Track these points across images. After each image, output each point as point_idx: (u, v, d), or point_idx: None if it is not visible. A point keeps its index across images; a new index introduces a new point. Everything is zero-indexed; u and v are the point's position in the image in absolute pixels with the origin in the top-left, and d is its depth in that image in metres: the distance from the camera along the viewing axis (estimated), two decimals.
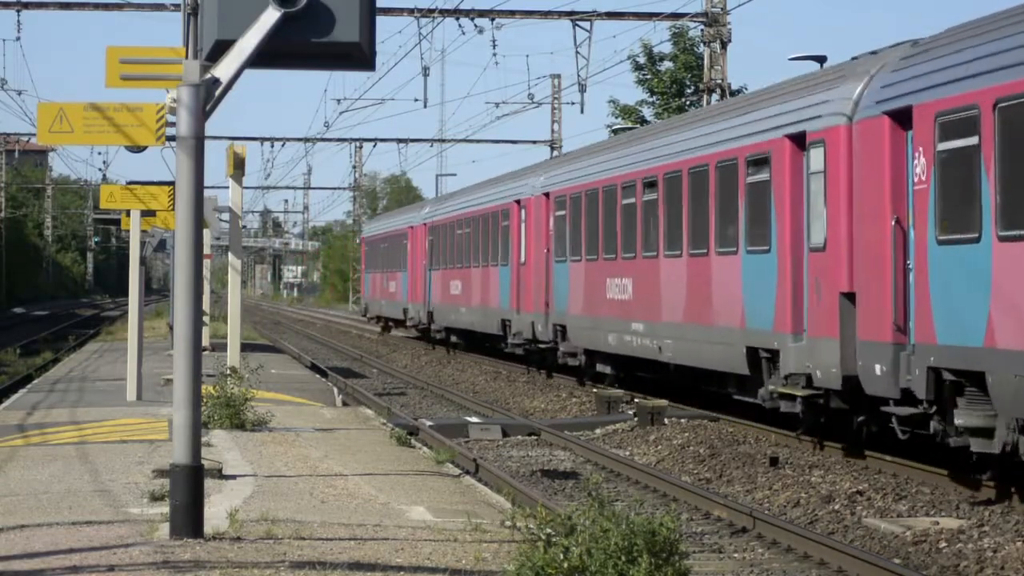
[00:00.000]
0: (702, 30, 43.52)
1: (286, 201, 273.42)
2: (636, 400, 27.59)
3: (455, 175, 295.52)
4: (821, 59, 34.29)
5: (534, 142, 76.86)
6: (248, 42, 11.43)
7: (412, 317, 54.85)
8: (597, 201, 30.95)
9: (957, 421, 16.54)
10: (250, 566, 10.82)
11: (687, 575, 10.30)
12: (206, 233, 32.67)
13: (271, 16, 11.35)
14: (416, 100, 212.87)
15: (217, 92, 11.68)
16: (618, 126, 52.53)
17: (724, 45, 42.85)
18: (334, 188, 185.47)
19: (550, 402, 30.83)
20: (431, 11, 44.11)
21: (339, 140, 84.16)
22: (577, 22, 44.84)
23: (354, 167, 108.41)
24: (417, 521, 13.40)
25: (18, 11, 44.60)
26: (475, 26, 43.90)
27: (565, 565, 9.95)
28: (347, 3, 11.43)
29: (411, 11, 44.39)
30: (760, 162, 22.38)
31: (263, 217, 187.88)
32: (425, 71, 53.83)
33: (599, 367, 31.71)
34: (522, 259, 37.44)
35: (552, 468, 21.27)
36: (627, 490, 19.16)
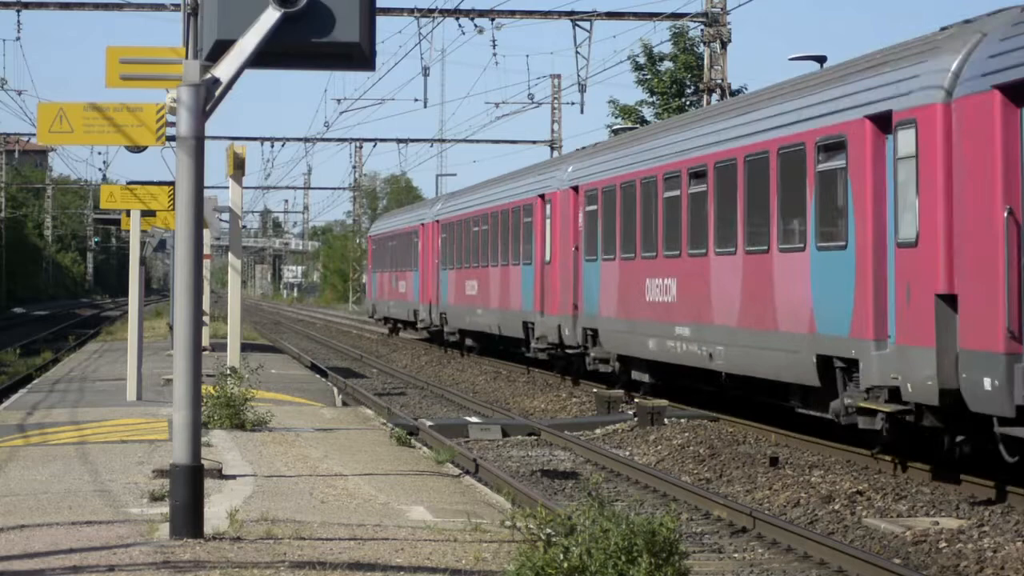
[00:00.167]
0: (702, 30, 43.57)
1: (286, 201, 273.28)
2: (636, 400, 27.58)
3: (455, 175, 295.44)
4: (821, 59, 34.27)
5: (534, 142, 77.02)
6: (248, 42, 11.43)
7: (423, 319, 52.63)
8: (634, 194, 28.65)
9: None
10: (250, 566, 10.82)
11: (687, 575, 10.30)
12: (206, 233, 32.67)
13: (271, 16, 11.35)
14: (416, 100, 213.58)
15: (217, 92, 11.69)
16: (618, 126, 52.53)
17: (724, 45, 42.87)
18: (334, 188, 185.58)
19: (550, 402, 30.82)
20: (431, 11, 44.14)
21: (339, 140, 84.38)
22: (577, 22, 44.87)
23: (354, 167, 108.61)
24: (417, 521, 13.39)
25: (18, 11, 44.64)
26: (475, 26, 43.97)
27: (565, 565, 9.95)
28: (347, 3, 11.43)
29: (411, 11, 44.43)
30: (833, 147, 19.97)
31: (263, 217, 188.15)
32: (425, 71, 53.97)
33: (635, 374, 29.48)
34: (547, 257, 35.32)
35: (552, 468, 21.27)
36: (627, 490, 19.16)
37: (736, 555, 14.69)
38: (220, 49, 11.56)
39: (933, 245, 17.43)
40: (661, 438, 23.54)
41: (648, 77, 55.41)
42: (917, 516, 16.44)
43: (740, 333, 23.07)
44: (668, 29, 52.94)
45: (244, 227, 43.13)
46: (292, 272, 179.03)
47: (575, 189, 33.19)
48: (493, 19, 43.94)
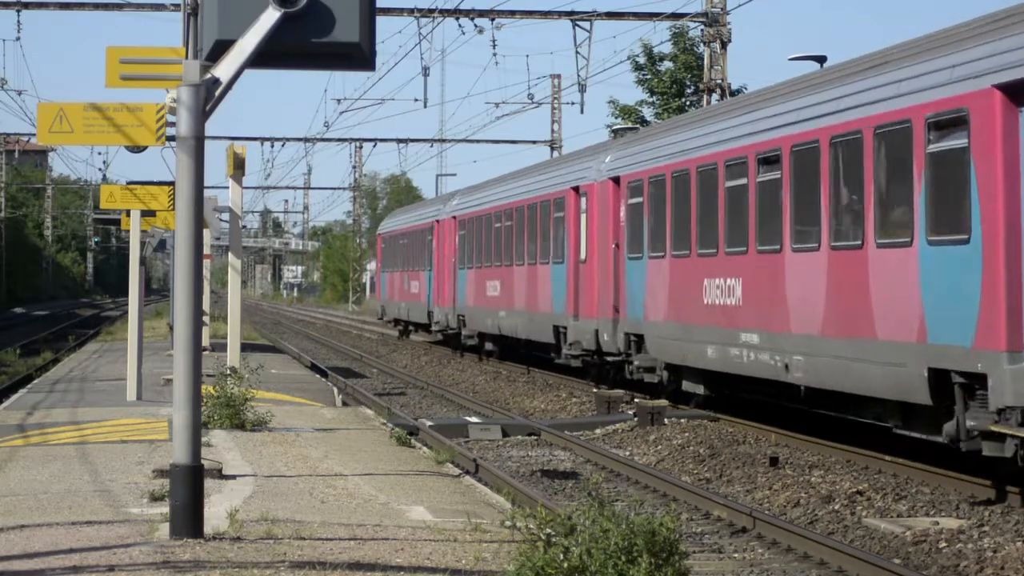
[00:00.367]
0: (702, 30, 43.60)
1: (286, 201, 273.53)
2: (636, 400, 27.58)
3: (455, 175, 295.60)
4: (821, 59, 34.33)
5: (534, 142, 77.15)
6: (248, 42, 11.44)
7: (439, 321, 49.45)
8: (688, 184, 25.63)
9: None
10: (250, 566, 10.82)
11: (687, 575, 10.30)
12: (206, 233, 32.66)
13: (271, 16, 11.35)
14: (416, 100, 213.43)
15: (217, 92, 11.69)
16: (618, 126, 52.57)
17: (724, 45, 42.89)
18: (334, 188, 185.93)
19: (550, 402, 30.82)
20: (431, 11, 44.17)
21: (339, 140, 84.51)
22: (577, 22, 44.89)
23: (354, 167, 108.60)
24: (417, 521, 13.39)
25: (18, 11, 44.66)
26: (475, 26, 44.01)
27: (565, 565, 9.95)
28: (347, 3, 11.43)
29: (411, 11, 44.46)
30: (950, 123, 17.09)
31: (263, 217, 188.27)
32: (425, 71, 53.99)
33: (686, 384, 26.49)
34: (582, 256, 32.42)
35: (552, 468, 21.27)
36: (627, 490, 19.16)
37: (736, 555, 14.69)
38: (220, 49, 11.57)
39: None
40: (661, 438, 23.55)
41: (648, 77, 55.47)
42: (917, 516, 16.44)
43: (825, 342, 20.17)
44: (668, 29, 53.07)
45: (244, 227, 43.15)
46: (292, 272, 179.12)
47: (615, 180, 30.20)
48: (493, 19, 43.98)
